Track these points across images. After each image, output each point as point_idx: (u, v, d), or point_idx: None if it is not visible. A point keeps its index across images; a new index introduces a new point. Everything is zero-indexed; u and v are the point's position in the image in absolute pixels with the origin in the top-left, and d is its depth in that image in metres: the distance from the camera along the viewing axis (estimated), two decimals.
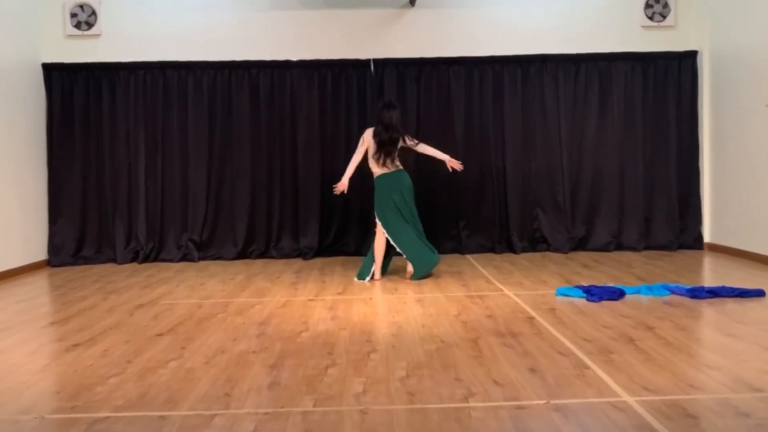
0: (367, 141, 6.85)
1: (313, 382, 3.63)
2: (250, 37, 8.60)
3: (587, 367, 3.79)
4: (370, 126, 7.08)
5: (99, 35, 8.52)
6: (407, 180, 6.86)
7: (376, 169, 6.84)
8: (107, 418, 3.21)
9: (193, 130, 8.56)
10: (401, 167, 6.86)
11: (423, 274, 6.79)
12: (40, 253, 8.27)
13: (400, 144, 6.82)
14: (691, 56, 8.62)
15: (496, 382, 3.57)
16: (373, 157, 6.79)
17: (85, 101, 8.51)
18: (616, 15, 8.65)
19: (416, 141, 6.99)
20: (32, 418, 3.24)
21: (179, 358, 4.15)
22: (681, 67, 8.62)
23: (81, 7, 8.48)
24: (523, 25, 8.64)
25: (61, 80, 8.45)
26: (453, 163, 7.00)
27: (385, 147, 6.71)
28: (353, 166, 6.96)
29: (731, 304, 5.35)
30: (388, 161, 6.75)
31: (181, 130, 8.57)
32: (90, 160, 8.52)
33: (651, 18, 8.64)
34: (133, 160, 8.53)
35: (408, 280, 6.71)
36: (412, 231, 6.77)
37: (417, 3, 8.52)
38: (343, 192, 7.01)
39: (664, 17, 8.64)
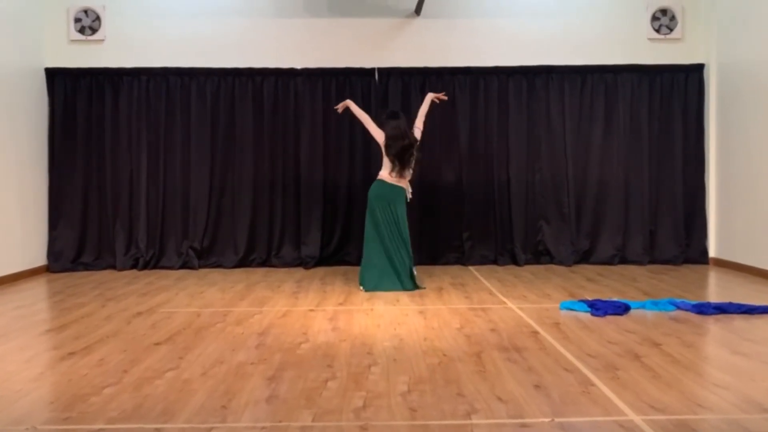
0: (377, 139, 6.85)
1: (312, 396, 3.56)
2: (255, 45, 8.56)
3: (593, 384, 3.71)
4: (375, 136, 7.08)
5: (103, 40, 8.50)
6: (402, 197, 6.78)
7: (382, 172, 6.80)
8: (101, 430, 3.14)
9: (195, 138, 8.52)
10: (405, 185, 6.79)
11: (371, 288, 6.68)
12: (40, 258, 8.21)
13: (416, 147, 6.76)
14: (697, 69, 8.57)
15: (499, 399, 3.48)
16: (386, 166, 6.76)
17: (87, 106, 8.47)
18: (623, 27, 8.61)
19: (417, 128, 6.94)
20: (24, 429, 3.16)
21: (176, 369, 4.07)
22: (687, 80, 8.57)
23: (85, 12, 8.46)
24: (529, 35, 8.60)
25: (64, 85, 8.42)
26: (437, 96, 7.11)
27: (401, 159, 6.66)
28: (364, 116, 7.02)
29: (738, 321, 5.27)
30: (406, 172, 6.72)
31: (183, 137, 8.53)
32: (91, 166, 8.47)
33: (658, 30, 8.60)
34: (134, 166, 8.49)
35: (409, 291, 6.62)
36: (384, 247, 6.69)
37: (422, 12, 8.49)
38: (337, 109, 7.28)
39: (671, 30, 8.59)
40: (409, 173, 6.78)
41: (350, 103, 7.16)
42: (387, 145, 6.71)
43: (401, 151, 6.65)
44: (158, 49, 8.50)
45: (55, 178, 8.39)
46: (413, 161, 6.75)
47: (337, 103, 8.46)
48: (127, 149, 8.50)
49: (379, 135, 6.87)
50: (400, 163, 6.68)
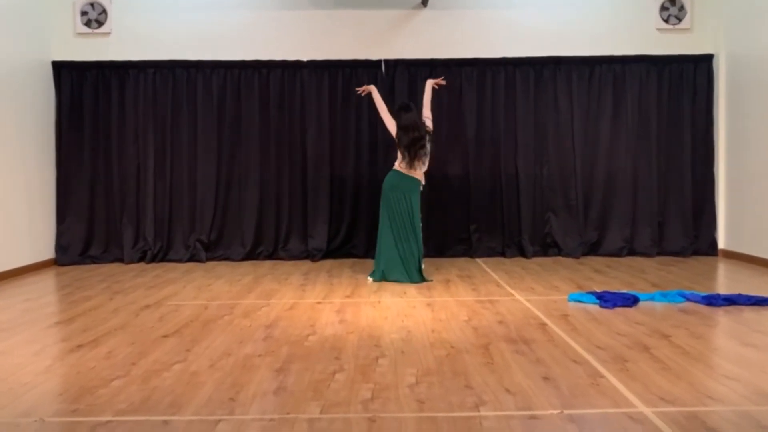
0: (390, 129, 6.90)
1: (319, 388, 3.55)
2: (261, 37, 8.54)
3: (602, 376, 3.69)
4: (383, 127, 7.10)
5: (109, 33, 8.49)
6: (416, 187, 6.79)
7: (397, 163, 6.83)
8: (109, 422, 3.14)
9: (202, 130, 8.51)
10: (419, 177, 6.80)
11: (378, 278, 6.75)
12: (48, 251, 8.23)
13: (427, 139, 6.79)
14: (706, 60, 8.50)
15: (508, 391, 3.47)
16: (401, 157, 6.80)
17: (94, 100, 8.47)
18: (631, 17, 8.54)
19: (427, 117, 6.98)
20: (32, 421, 3.17)
21: (184, 361, 4.07)
22: (696, 71, 8.50)
23: (91, 5, 8.45)
24: (536, 26, 8.55)
25: (71, 78, 8.42)
26: (437, 82, 7.19)
27: (410, 150, 6.70)
28: (382, 105, 7.06)
29: (748, 313, 5.24)
30: (416, 163, 6.73)
31: (190, 129, 8.52)
32: (99, 159, 8.48)
33: (666, 21, 8.53)
34: (141, 159, 8.49)
35: (416, 284, 6.62)
36: (395, 238, 6.72)
37: (429, 4, 8.44)
38: (359, 91, 7.35)
39: (680, 20, 8.52)
40: (420, 166, 6.78)
41: (373, 89, 7.19)
42: (398, 137, 6.77)
43: (411, 142, 6.68)
44: (164, 41, 8.49)
45: (62, 171, 8.40)
46: (423, 154, 6.75)
47: (343, 95, 8.49)
48: (133, 142, 8.50)
49: (392, 126, 6.90)
50: (409, 155, 6.69)
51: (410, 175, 6.76)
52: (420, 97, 8.47)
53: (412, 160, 6.71)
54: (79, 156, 8.42)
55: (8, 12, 7.56)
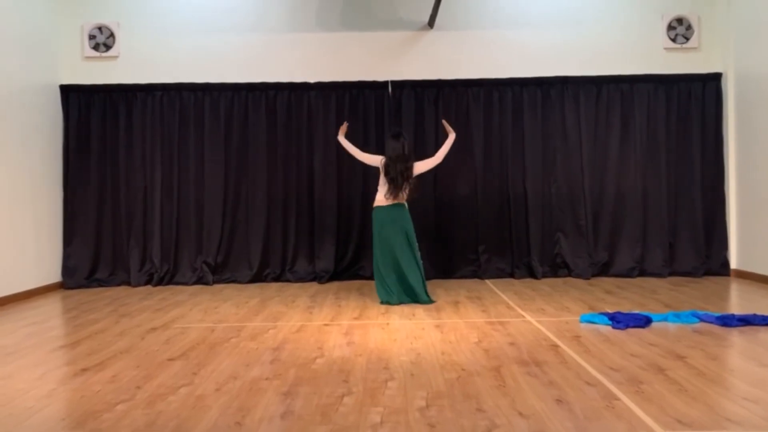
0: (375, 164, 6.87)
1: (328, 412, 3.47)
2: (268, 59, 8.56)
3: (616, 398, 3.60)
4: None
5: (117, 57, 8.53)
6: (405, 213, 6.74)
7: (378, 198, 6.78)
8: None
9: (209, 153, 8.51)
10: (403, 201, 6.76)
11: (395, 302, 6.64)
12: (54, 275, 8.20)
13: (414, 175, 6.76)
14: (715, 78, 8.46)
15: (520, 414, 3.38)
16: (381, 188, 6.76)
17: (101, 123, 8.49)
18: (638, 37, 8.53)
19: (430, 161, 6.91)
20: None
21: (190, 385, 4.00)
22: (705, 89, 8.47)
23: (99, 29, 8.50)
24: (543, 46, 8.54)
25: (79, 102, 8.45)
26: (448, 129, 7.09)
27: (396, 182, 6.67)
28: (351, 148, 7.01)
29: (763, 333, 5.14)
30: (400, 194, 6.70)
31: (197, 152, 8.52)
32: (106, 182, 8.48)
33: (674, 40, 8.52)
34: (148, 182, 8.48)
35: (424, 305, 6.55)
36: (401, 268, 6.66)
37: (435, 25, 8.45)
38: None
39: (688, 39, 8.51)
40: (404, 194, 6.73)
41: (341, 134, 7.15)
42: (386, 167, 6.74)
43: (399, 174, 6.66)
44: (172, 64, 8.52)
45: (69, 194, 8.40)
46: (406, 186, 6.71)
47: (350, 117, 8.48)
48: (141, 165, 8.50)
49: (372, 161, 6.91)
50: (395, 186, 6.68)
51: (396, 203, 6.72)
52: (427, 118, 8.51)
53: (396, 190, 6.67)
54: (86, 179, 8.43)
55: (17, 36, 7.61)
